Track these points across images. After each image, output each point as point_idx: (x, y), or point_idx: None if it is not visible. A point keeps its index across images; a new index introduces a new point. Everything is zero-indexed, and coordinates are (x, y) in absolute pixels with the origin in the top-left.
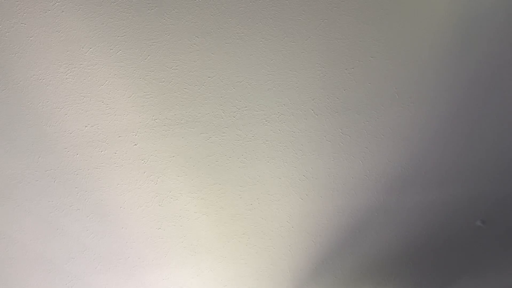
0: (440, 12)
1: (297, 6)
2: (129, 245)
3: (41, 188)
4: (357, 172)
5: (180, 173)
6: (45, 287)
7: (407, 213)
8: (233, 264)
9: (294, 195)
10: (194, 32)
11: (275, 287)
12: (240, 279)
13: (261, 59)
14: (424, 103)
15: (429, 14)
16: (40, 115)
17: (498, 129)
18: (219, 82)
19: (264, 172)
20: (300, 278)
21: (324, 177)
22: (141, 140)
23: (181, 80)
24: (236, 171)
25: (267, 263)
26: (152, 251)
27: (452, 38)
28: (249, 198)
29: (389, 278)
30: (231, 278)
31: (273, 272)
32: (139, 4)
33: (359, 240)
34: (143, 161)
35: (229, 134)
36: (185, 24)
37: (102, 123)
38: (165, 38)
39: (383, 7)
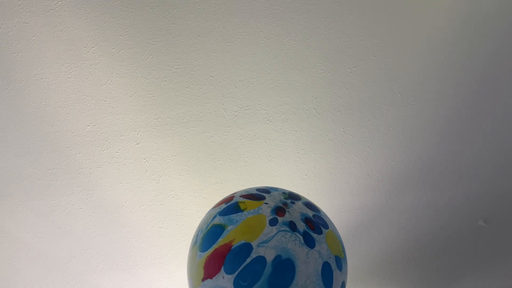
0: (444, 11)
1: (299, 5)
2: (131, 243)
3: (43, 187)
4: (359, 171)
5: (182, 172)
6: (47, 286)
7: (409, 213)
8: None
9: None
10: (196, 31)
11: None
12: None
13: (263, 58)
14: (427, 102)
15: (433, 12)
16: (42, 114)
17: (502, 129)
18: (221, 81)
19: (266, 171)
20: None
21: (326, 177)
22: (143, 139)
23: (183, 79)
24: (238, 170)
25: None
26: (154, 250)
27: (456, 36)
28: None
29: (391, 278)
30: None
31: None
32: (141, 4)
33: (361, 239)
34: (145, 160)
35: (231, 133)
36: (187, 23)
37: (104, 122)
38: (167, 38)
39: (386, 6)
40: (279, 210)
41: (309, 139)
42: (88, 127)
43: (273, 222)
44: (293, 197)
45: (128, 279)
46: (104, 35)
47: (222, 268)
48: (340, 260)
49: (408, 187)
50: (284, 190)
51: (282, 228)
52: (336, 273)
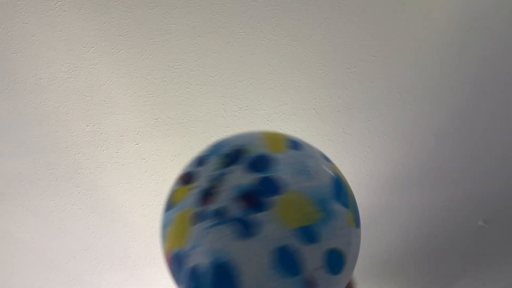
0: (443, 11)
1: (298, 5)
2: (130, 244)
3: (43, 187)
4: (359, 171)
5: None
6: (47, 286)
7: (408, 213)
8: None
9: None
10: (195, 31)
11: None
12: None
13: (262, 58)
14: (426, 102)
15: (432, 12)
16: (41, 115)
17: (501, 129)
18: (220, 81)
19: None
20: None
21: None
22: (142, 139)
23: (182, 79)
24: None
25: None
26: (153, 250)
27: (455, 37)
28: None
29: (391, 278)
30: None
31: None
32: (141, 4)
33: (361, 239)
34: (144, 160)
35: (231, 133)
36: (186, 23)
37: (104, 122)
38: (166, 38)
39: (386, 6)
40: (207, 196)
41: (309, 139)
42: (88, 127)
43: (199, 218)
44: (234, 159)
45: (128, 279)
46: (103, 35)
47: (175, 279)
48: (311, 229)
49: (408, 187)
50: (230, 146)
51: (210, 223)
52: (303, 249)
